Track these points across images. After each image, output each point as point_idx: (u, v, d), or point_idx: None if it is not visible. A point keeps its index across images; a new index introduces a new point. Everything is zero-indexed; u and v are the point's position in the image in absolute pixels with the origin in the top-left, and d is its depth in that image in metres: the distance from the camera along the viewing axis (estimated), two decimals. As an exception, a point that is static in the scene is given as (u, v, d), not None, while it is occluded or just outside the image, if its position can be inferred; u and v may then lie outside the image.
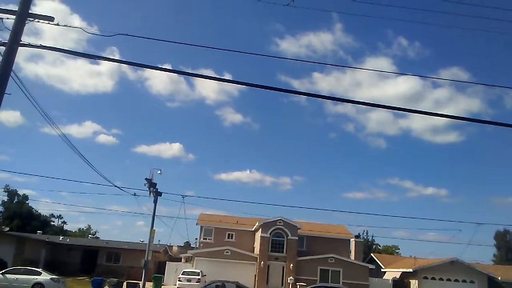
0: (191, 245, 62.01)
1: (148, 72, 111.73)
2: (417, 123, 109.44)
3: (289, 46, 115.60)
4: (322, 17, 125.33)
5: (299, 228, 41.76)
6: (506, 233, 62.49)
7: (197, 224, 46.38)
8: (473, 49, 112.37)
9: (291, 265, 39.83)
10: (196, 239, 50.73)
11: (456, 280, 41.51)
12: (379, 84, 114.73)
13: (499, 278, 42.19)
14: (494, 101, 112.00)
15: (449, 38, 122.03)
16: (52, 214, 76.23)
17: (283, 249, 41.00)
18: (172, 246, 60.10)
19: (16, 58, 9.43)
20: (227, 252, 40.97)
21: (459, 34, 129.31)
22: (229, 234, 45.86)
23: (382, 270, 48.59)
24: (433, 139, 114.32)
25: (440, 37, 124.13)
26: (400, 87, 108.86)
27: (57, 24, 10.34)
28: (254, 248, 44.45)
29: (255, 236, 45.08)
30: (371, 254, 56.07)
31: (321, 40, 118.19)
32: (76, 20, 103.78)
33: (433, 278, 41.52)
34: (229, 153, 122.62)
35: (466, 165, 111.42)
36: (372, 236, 71.76)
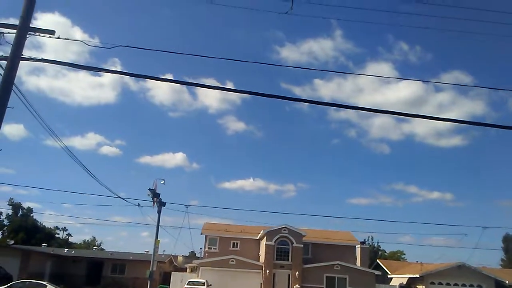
0: (196, 255, 61.86)
1: (150, 83, 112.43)
2: (420, 127, 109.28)
3: (289, 53, 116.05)
4: (322, 24, 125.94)
5: (304, 236, 41.60)
6: (516, 236, 62.05)
7: (201, 233, 46.29)
8: (474, 52, 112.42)
9: (297, 273, 39.63)
10: (201, 248, 50.62)
11: (464, 285, 41.17)
12: (380, 89, 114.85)
13: (507, 282, 41.80)
14: (497, 103, 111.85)
15: (449, 41, 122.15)
16: (56, 226, 76.30)
17: (289, 257, 40.82)
18: (177, 256, 59.99)
19: (18, 72, 9.51)
20: (232, 261, 40.82)
21: (459, 38, 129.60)
22: (234, 243, 45.71)
23: (388, 276, 48.26)
24: (436, 143, 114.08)
25: (441, 41, 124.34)
26: (402, 92, 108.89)
27: (58, 38, 10.46)
28: (259, 256, 44.27)
29: (260, 244, 44.91)
30: (377, 260, 55.74)
31: (321, 47, 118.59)
32: (77, 33, 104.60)
33: (440, 283, 41.21)
34: (233, 162, 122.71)
35: (470, 168, 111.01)
36: (378, 242, 71.43)
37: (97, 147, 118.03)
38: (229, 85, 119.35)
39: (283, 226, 41.21)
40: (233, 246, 45.40)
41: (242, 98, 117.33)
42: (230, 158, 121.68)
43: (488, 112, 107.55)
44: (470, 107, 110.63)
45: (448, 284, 41.25)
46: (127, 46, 11.79)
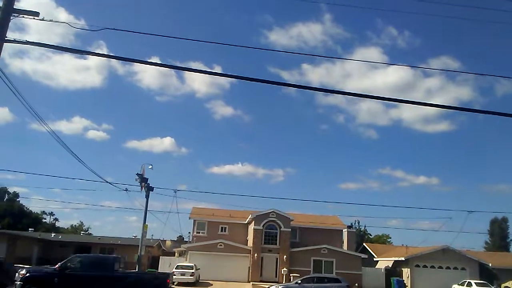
0: (185, 239, 62.06)
1: (137, 66, 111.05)
2: (408, 113, 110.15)
3: (278, 37, 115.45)
4: (311, 8, 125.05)
5: (291, 220, 41.92)
6: (502, 220, 63.16)
7: (190, 218, 46.39)
8: (462, 37, 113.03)
9: (285, 256, 40.04)
10: (189, 233, 50.79)
11: (448, 268, 42.00)
12: (369, 74, 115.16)
13: (490, 264, 42.74)
14: (485, 89, 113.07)
15: (437, 26, 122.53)
16: (43, 211, 75.91)
17: (276, 241, 41.17)
18: (165, 240, 60.08)
19: (1, 54, 9.29)
20: (220, 245, 41.05)
21: (447, 23, 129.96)
22: (222, 228, 45.92)
23: (374, 259, 49.03)
24: (424, 129, 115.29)
25: (429, 25, 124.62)
26: (390, 77, 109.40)
27: (43, 19, 10.20)
28: (247, 240, 44.57)
29: (248, 228, 45.20)
30: (364, 244, 56.55)
31: (310, 31, 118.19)
32: (62, 14, 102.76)
33: (424, 266, 41.99)
34: (221, 146, 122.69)
35: (457, 153, 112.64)
36: (365, 226, 72.48)
37: (84, 132, 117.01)
38: (217, 69, 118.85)
39: (271, 211, 41.45)
40: (221, 231, 45.61)
41: (230, 82, 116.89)
42: (218, 142, 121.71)
43: (476, 98, 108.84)
44: (458, 92, 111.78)
45: (432, 267, 42.04)
46: (114, 29, 11.58)
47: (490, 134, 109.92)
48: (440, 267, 42.03)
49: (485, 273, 42.02)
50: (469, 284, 36.51)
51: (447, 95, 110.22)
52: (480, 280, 38.59)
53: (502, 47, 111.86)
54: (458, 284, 38.04)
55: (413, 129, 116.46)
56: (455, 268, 41.96)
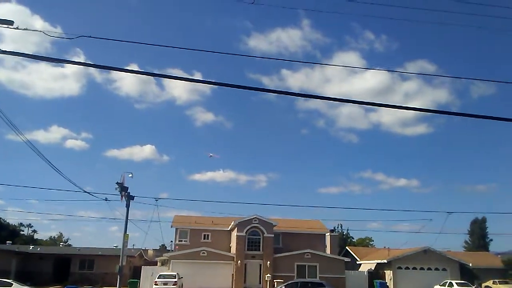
0: (167, 248, 61.37)
1: (116, 74, 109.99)
2: (386, 116, 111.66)
3: (257, 43, 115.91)
4: (290, 14, 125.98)
5: (274, 226, 41.88)
6: (482, 220, 64.22)
7: (172, 226, 45.89)
8: (438, 41, 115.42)
9: (268, 262, 39.94)
10: (172, 241, 50.21)
11: (429, 269, 42.54)
12: (348, 79, 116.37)
13: (470, 264, 43.45)
14: (461, 91, 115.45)
15: (414, 30, 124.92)
16: (21, 223, 74.07)
17: (260, 247, 41.04)
18: (147, 250, 59.31)
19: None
20: (203, 253, 40.73)
21: (423, 27, 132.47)
22: (205, 235, 45.57)
23: (357, 262, 49.32)
24: (403, 132, 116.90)
25: (405, 30, 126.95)
26: (369, 82, 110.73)
27: (17, 28, 9.99)
28: (230, 247, 44.33)
29: (231, 235, 44.96)
30: (346, 247, 56.82)
31: (289, 36, 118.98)
32: (38, 22, 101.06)
33: (407, 268, 42.44)
34: (203, 153, 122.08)
35: (435, 155, 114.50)
36: (347, 230, 72.76)
37: (62, 141, 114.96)
38: (197, 76, 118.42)
39: (254, 217, 41.35)
40: (204, 238, 45.26)
41: (211, 89, 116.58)
42: (199, 149, 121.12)
43: (452, 100, 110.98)
44: (435, 95, 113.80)
45: (414, 268, 42.51)
46: (90, 37, 11.39)
47: (467, 135, 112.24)
48: (422, 268, 42.54)
49: (466, 273, 42.68)
50: (451, 284, 37.02)
51: (424, 98, 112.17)
52: (461, 280, 39.17)
53: (477, 50, 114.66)
54: (439, 285, 38.53)
55: (392, 132, 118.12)
56: (436, 269, 42.53)
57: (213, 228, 46.07)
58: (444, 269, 42.44)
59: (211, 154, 53.49)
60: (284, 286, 30.34)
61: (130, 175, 30.62)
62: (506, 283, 41.96)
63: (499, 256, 54.21)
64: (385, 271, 43.00)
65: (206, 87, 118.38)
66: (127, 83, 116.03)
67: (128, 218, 31.22)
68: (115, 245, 51.24)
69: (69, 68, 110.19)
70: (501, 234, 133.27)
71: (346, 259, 43.12)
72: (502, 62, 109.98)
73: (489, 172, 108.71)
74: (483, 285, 42.24)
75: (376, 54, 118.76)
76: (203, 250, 40.94)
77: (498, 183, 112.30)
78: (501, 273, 45.72)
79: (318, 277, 38.71)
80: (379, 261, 44.20)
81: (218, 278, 39.55)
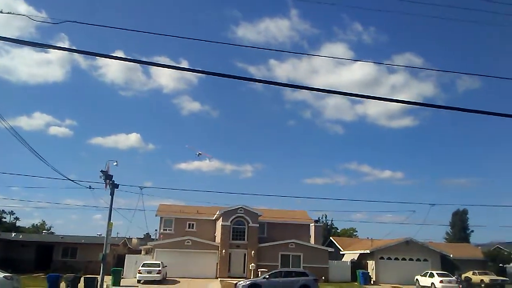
0: (151, 237, 61.23)
1: (101, 60, 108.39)
2: (373, 108, 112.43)
3: (245, 32, 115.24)
4: (278, 3, 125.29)
5: (260, 216, 41.99)
6: (463, 212, 65.27)
7: (156, 215, 45.73)
8: (425, 35, 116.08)
9: (253, 252, 40.09)
10: (156, 230, 50.07)
11: (411, 259, 43.16)
12: (335, 70, 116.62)
13: (451, 255, 44.24)
14: (447, 85, 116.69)
15: (402, 23, 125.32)
16: (3, 210, 73.01)
17: (244, 236, 41.14)
18: (131, 238, 59.08)
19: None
20: (188, 242, 40.68)
21: (411, 20, 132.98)
22: (189, 224, 45.52)
23: (341, 252, 49.85)
24: (388, 124, 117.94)
25: (394, 22, 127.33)
26: (356, 73, 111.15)
27: (1, 12, 9.72)
28: (215, 237, 44.38)
29: (216, 225, 44.99)
30: (330, 238, 57.38)
31: (277, 26, 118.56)
32: (22, 6, 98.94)
33: (389, 258, 42.99)
34: (189, 142, 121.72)
35: (420, 148, 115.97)
36: (332, 220, 73.45)
37: (45, 128, 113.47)
38: (184, 64, 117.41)
39: (239, 207, 41.38)
40: (189, 227, 45.22)
41: (198, 78, 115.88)
42: (186, 138, 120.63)
43: (438, 94, 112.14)
44: (421, 88, 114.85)
45: (396, 258, 43.09)
46: (76, 22, 11.13)
47: (451, 129, 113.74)
48: (404, 259, 43.14)
49: (447, 263, 43.42)
50: (432, 274, 37.58)
51: (411, 91, 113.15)
52: (442, 270, 39.82)
53: (463, 44, 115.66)
54: (421, 275, 39.10)
55: (378, 124, 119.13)
56: (418, 260, 43.16)
57: (198, 218, 46.04)
58: (425, 260, 43.09)
59: (200, 152, 50.24)
60: (268, 275, 30.47)
61: (115, 163, 30.24)
62: (486, 274, 42.79)
63: (479, 247, 55.37)
64: (367, 261, 43.53)
65: (193, 76, 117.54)
66: (113, 70, 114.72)
67: (112, 207, 30.96)
68: (98, 234, 50.91)
69: (54, 54, 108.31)
70: (481, 226, 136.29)
71: (330, 249, 43.52)
72: (488, 56, 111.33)
73: (471, 166, 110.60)
74: (463, 276, 42.96)
75: (364, 46, 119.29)
76: (188, 239, 40.89)
77: (479, 176, 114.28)
78: (481, 264, 46.65)
79: (302, 267, 39.02)
80: (362, 252, 44.71)
81: (202, 267, 39.61)
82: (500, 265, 46.72)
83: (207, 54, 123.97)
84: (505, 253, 48.30)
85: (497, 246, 52.78)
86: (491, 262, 47.13)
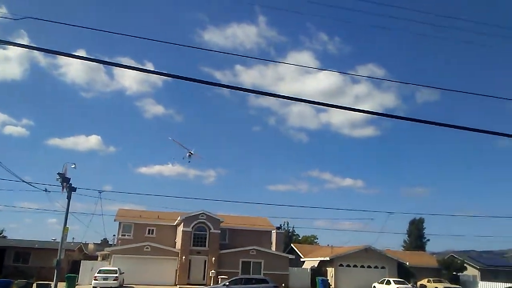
0: (109, 242, 59.61)
1: (62, 59, 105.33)
2: (336, 117, 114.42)
3: (212, 37, 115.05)
4: (246, 10, 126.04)
5: (221, 222, 41.69)
6: (419, 221, 67.08)
7: (115, 220, 44.54)
8: (388, 47, 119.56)
9: (213, 258, 39.70)
10: (115, 235, 48.76)
11: (369, 266, 44.01)
12: (301, 78, 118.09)
13: (407, 263, 45.41)
14: (407, 96, 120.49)
15: (365, 35, 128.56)
16: (-50, 213, 69.27)
17: (206, 243, 40.69)
18: (87, 243, 57.23)
19: None
20: (147, 248, 39.84)
21: (374, 32, 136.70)
22: (149, 230, 44.57)
23: (301, 259, 50.18)
24: (351, 133, 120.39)
25: (358, 33, 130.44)
26: (322, 82, 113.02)
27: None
28: (176, 243, 43.68)
29: (177, 231, 44.31)
30: (291, 245, 57.68)
31: (245, 32, 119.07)
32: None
33: (348, 265, 43.65)
34: (151, 146, 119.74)
35: (380, 158, 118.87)
36: (293, 227, 73.89)
37: (0, 127, 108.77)
38: (148, 66, 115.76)
39: (201, 212, 40.95)
40: (148, 233, 44.27)
41: (163, 81, 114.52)
42: (148, 142, 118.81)
43: (399, 105, 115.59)
44: (383, 99, 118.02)
45: (355, 266, 43.81)
46: (37, 19, 10.68)
47: (411, 140, 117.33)
48: (362, 266, 43.93)
49: (403, 271, 44.52)
50: (388, 282, 38.43)
51: (373, 101, 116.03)
52: (398, 278, 40.80)
53: (423, 57, 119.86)
54: (378, 282, 39.91)
55: (341, 133, 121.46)
56: (376, 267, 44.05)
57: (158, 223, 45.18)
58: (383, 267, 44.03)
59: (191, 152, 45.73)
60: (228, 282, 30.24)
61: (73, 165, 29.32)
62: (440, 281, 44.24)
63: (434, 255, 57.19)
64: (327, 269, 44.01)
65: (157, 79, 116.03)
66: (74, 69, 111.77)
67: (69, 211, 29.94)
68: (53, 238, 49.02)
69: (12, 51, 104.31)
70: (437, 235, 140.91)
71: (291, 256, 43.70)
72: (447, 70, 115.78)
73: (428, 176, 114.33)
74: (418, 283, 44.21)
75: (329, 56, 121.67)
76: (147, 245, 40.05)
77: (436, 186, 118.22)
78: (436, 272, 48.18)
79: (262, 274, 38.96)
80: (322, 259, 45.19)
81: (161, 274, 38.86)
82: (454, 273, 48.36)
83: (173, 57, 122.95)
84: (459, 261, 50.03)
85: (451, 255, 54.62)
86: (445, 270, 48.72)
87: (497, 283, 45.04)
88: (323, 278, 41.21)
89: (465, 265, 49.41)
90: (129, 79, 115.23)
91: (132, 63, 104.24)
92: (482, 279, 48.81)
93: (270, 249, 44.59)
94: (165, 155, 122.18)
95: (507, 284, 43.85)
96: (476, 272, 50.77)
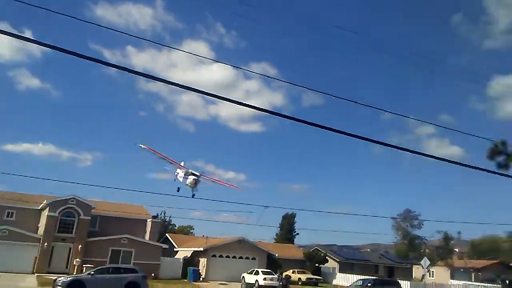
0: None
1: None
2: (225, 110, 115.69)
3: (104, 13, 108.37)
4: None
5: (93, 208, 39.63)
6: (291, 216, 70.83)
7: (-32, 200, 39.63)
8: (282, 47, 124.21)
9: (80, 246, 37.48)
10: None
11: (241, 257, 45.38)
12: (195, 68, 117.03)
13: (277, 255, 47.80)
14: (295, 98, 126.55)
15: (262, 32, 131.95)
16: None
17: (73, 229, 38.25)
18: None
19: None
20: (4, 232, 36.17)
21: (269, 30, 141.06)
22: (9, 213, 40.48)
23: (175, 249, 49.89)
24: (238, 127, 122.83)
25: (254, 30, 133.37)
26: (215, 74, 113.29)
27: None
28: (39, 228, 40.33)
29: (41, 215, 40.94)
30: (166, 234, 57.07)
31: (140, 13, 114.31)
32: None
33: (221, 256, 44.49)
34: (20, 122, 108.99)
35: (264, 153, 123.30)
36: (170, 217, 73.16)
37: None
38: (28, 35, 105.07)
39: (71, 197, 38.47)
40: (7, 216, 40.20)
41: (43, 52, 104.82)
42: (17, 117, 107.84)
43: (286, 105, 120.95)
44: (272, 97, 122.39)
45: (227, 256, 44.84)
46: None
47: (293, 139, 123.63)
48: (235, 257, 45.14)
49: (272, 262, 46.75)
50: (257, 272, 39.99)
51: (263, 98, 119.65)
52: (268, 269, 42.73)
53: (314, 61, 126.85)
54: (247, 273, 41.33)
55: (228, 126, 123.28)
56: (247, 258, 45.59)
57: (20, 206, 41.20)
58: (253, 258, 45.72)
59: (197, 174, 23.66)
60: (93, 271, 28.71)
61: None
62: (303, 272, 47.47)
63: (301, 248, 61.07)
64: (200, 259, 44.34)
65: (37, 49, 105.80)
66: None
67: None
68: None
69: None
70: (304, 229, 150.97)
71: (164, 246, 43.17)
72: (333, 76, 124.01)
73: (305, 174, 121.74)
74: (284, 274, 46.79)
75: (224, 49, 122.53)
76: (5, 229, 36.39)
77: (310, 183, 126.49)
78: (301, 263, 51.57)
79: (132, 263, 37.82)
80: (195, 249, 45.42)
81: (18, 261, 35.62)
82: (316, 265, 52.15)
83: (57, 29, 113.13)
84: (322, 254, 54.05)
85: (316, 248, 58.83)
86: (309, 262, 52.34)
87: (352, 275, 49.57)
88: (194, 268, 41.44)
89: (327, 257, 53.61)
90: (2, 46, 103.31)
91: (9, 28, 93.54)
92: (340, 271, 53.37)
93: (144, 238, 43.53)
94: (35, 132, 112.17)
95: (361, 276, 48.57)
96: (336, 265, 55.41)
